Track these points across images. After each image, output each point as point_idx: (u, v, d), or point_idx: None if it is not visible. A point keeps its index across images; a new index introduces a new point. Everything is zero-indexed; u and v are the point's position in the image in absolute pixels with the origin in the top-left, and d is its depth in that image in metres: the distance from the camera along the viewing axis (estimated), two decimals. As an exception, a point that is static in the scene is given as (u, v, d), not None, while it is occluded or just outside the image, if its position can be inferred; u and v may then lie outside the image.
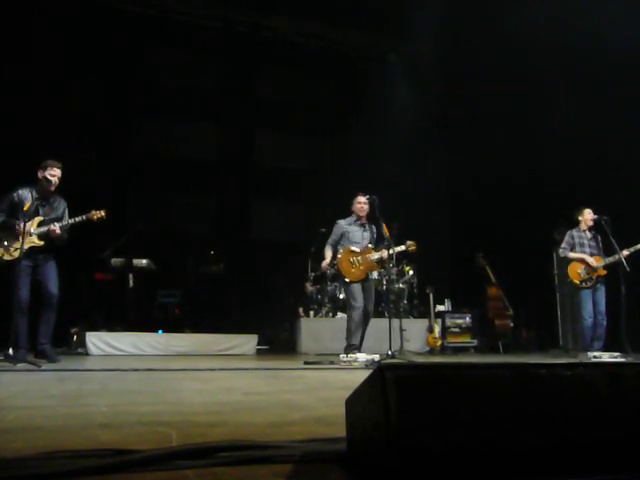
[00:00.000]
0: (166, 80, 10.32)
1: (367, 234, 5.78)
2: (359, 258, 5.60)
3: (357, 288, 5.54)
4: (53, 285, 4.84)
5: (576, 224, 6.62)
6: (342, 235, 5.75)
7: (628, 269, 6.07)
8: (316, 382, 3.53)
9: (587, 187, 7.44)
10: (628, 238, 6.31)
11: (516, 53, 8.27)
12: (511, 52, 8.31)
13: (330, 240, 5.82)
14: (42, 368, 4.13)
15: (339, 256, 5.63)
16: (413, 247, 5.94)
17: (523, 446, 1.01)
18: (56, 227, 4.81)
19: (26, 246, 4.65)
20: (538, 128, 8.75)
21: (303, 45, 10.83)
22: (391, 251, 5.57)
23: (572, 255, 6.46)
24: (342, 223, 5.81)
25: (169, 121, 10.29)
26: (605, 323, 6.23)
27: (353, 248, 5.64)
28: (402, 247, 5.90)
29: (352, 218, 5.81)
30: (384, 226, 5.68)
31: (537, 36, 7.89)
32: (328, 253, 5.76)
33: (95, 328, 7.22)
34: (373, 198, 5.67)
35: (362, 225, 5.79)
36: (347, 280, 5.56)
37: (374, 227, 5.83)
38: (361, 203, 5.73)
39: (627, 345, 6.13)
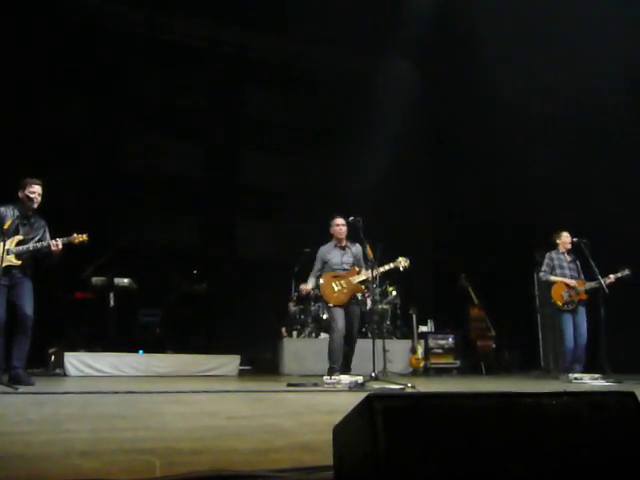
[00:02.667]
0: (151, 98, 10.34)
1: (347, 257, 5.71)
2: (342, 282, 5.56)
3: (339, 311, 5.50)
4: (28, 307, 4.74)
5: (554, 246, 6.73)
6: (324, 262, 5.72)
7: (607, 291, 6.18)
8: (300, 405, 3.51)
9: (568, 210, 7.57)
10: (609, 261, 6.43)
11: (499, 85, 8.46)
12: (494, 83, 8.50)
13: (314, 271, 5.79)
14: (18, 391, 4.03)
15: (322, 281, 5.60)
16: (405, 264, 5.68)
17: (510, 476, 1.01)
18: (59, 242, 4.76)
19: (3, 264, 4.56)
20: (520, 153, 8.92)
21: (289, 65, 10.95)
22: (375, 272, 5.52)
23: (553, 278, 6.56)
24: (323, 250, 5.78)
25: (153, 138, 10.28)
26: (585, 345, 6.31)
27: (336, 272, 5.61)
28: (392, 264, 5.68)
29: (332, 243, 5.78)
30: (368, 247, 5.68)
31: (520, 66, 8.13)
32: (311, 283, 5.77)
33: (74, 348, 7.08)
34: (357, 220, 5.59)
35: (342, 248, 5.74)
36: (331, 305, 5.55)
37: (356, 247, 5.76)
38: (339, 225, 5.67)
39: (607, 366, 6.21)
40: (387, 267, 5.69)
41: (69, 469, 1.49)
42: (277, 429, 2.37)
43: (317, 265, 5.77)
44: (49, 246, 4.79)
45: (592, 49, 6.99)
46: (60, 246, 4.77)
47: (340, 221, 5.69)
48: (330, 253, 5.71)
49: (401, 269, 5.72)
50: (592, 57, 7.00)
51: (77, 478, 1.32)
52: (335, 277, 5.59)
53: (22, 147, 8.32)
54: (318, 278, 5.71)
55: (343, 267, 5.66)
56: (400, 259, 5.72)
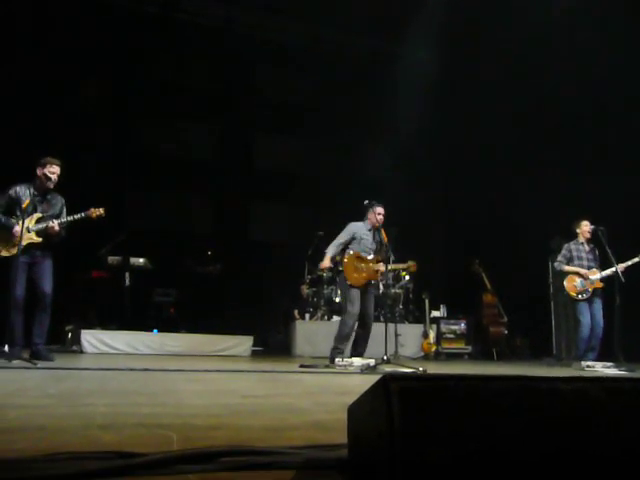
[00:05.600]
0: (166, 80, 10.32)
1: (375, 242, 5.81)
2: (364, 265, 5.64)
3: (356, 293, 5.55)
4: (47, 284, 4.82)
5: (574, 236, 6.66)
6: (354, 238, 5.73)
7: (623, 280, 6.12)
8: (313, 386, 3.55)
9: (584, 197, 7.49)
10: (625, 248, 6.36)
11: (514, 67, 8.39)
12: (507, 66, 8.43)
13: (339, 239, 5.75)
14: (38, 366, 4.12)
15: (345, 259, 5.65)
16: (413, 268, 6.07)
17: (525, 460, 1.02)
18: (55, 224, 4.80)
19: (24, 242, 4.64)
20: (536, 141, 8.83)
21: (306, 47, 10.84)
22: (390, 266, 5.62)
23: (567, 268, 6.51)
24: (356, 227, 5.80)
25: (168, 121, 10.30)
26: (601, 335, 6.27)
27: (362, 254, 5.66)
28: (403, 265, 6.03)
29: (366, 226, 5.82)
30: (383, 232, 5.70)
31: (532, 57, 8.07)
32: (330, 253, 5.72)
33: (90, 326, 7.21)
34: (372, 203, 5.71)
35: (374, 233, 5.82)
36: (349, 283, 5.59)
37: (380, 234, 5.82)
38: (381, 214, 5.74)
39: (620, 355, 6.18)
40: (398, 266, 6.00)
41: (89, 441, 1.53)
42: (291, 408, 2.40)
43: (344, 237, 5.75)
44: (65, 222, 4.85)
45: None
46: (56, 228, 4.80)
47: (382, 210, 5.75)
48: (364, 233, 5.76)
49: (409, 273, 6.06)
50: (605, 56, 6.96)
51: (97, 449, 1.36)
52: (358, 258, 5.64)
53: (39, 129, 8.39)
54: (339, 249, 5.74)
55: (371, 251, 5.74)
56: (409, 263, 6.01)
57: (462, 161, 10.37)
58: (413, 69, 10.06)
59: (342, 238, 5.76)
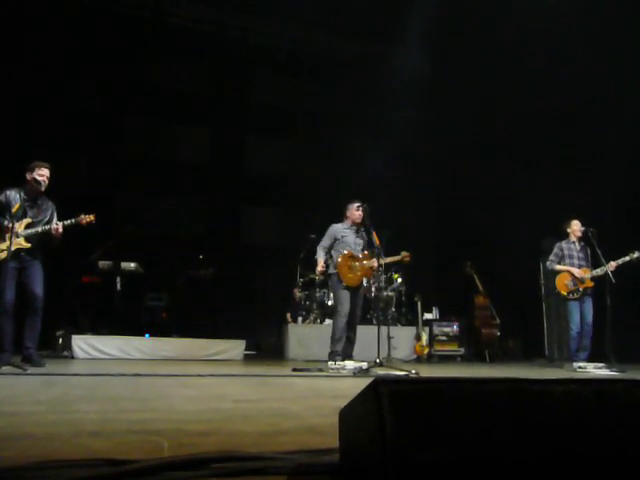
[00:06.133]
0: (158, 83, 10.29)
1: (360, 240, 5.85)
2: (357, 264, 5.67)
3: (346, 294, 5.59)
4: (38, 287, 4.78)
5: (565, 236, 6.72)
6: (336, 239, 5.79)
7: (614, 281, 6.17)
8: (305, 390, 3.54)
9: (576, 199, 7.54)
10: (616, 249, 6.41)
11: (512, 67, 8.46)
12: (505, 67, 8.49)
13: (323, 243, 5.84)
14: (28, 372, 4.09)
15: (339, 260, 5.67)
16: (408, 258, 6.02)
17: (517, 462, 1.02)
18: (59, 225, 4.77)
19: (13, 248, 4.59)
20: (527, 140, 8.88)
21: (299, 49, 10.84)
22: (381, 260, 5.62)
23: (559, 267, 6.56)
24: (336, 228, 5.87)
25: (159, 124, 10.27)
26: (591, 334, 6.31)
27: (353, 253, 5.69)
28: (397, 257, 5.99)
29: (346, 224, 5.87)
30: (374, 234, 5.72)
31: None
32: (321, 256, 5.78)
33: (81, 331, 7.16)
34: (364, 206, 5.73)
35: (356, 231, 5.86)
36: (344, 284, 5.60)
37: (366, 232, 5.88)
38: (359, 210, 5.78)
39: (611, 356, 6.22)
40: (392, 259, 5.95)
41: (79, 448, 1.52)
42: (283, 412, 2.39)
43: (327, 240, 5.85)
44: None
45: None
46: (60, 230, 4.78)
47: (359, 205, 5.80)
48: (345, 232, 5.83)
49: (404, 262, 6.10)
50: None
51: (87, 457, 1.34)
52: (351, 258, 5.68)
53: (28, 132, 8.34)
54: (328, 251, 5.80)
55: (356, 248, 5.79)
56: (403, 253, 5.99)
57: (454, 163, 10.40)
58: (408, 70, 10.06)
59: (325, 242, 5.86)
